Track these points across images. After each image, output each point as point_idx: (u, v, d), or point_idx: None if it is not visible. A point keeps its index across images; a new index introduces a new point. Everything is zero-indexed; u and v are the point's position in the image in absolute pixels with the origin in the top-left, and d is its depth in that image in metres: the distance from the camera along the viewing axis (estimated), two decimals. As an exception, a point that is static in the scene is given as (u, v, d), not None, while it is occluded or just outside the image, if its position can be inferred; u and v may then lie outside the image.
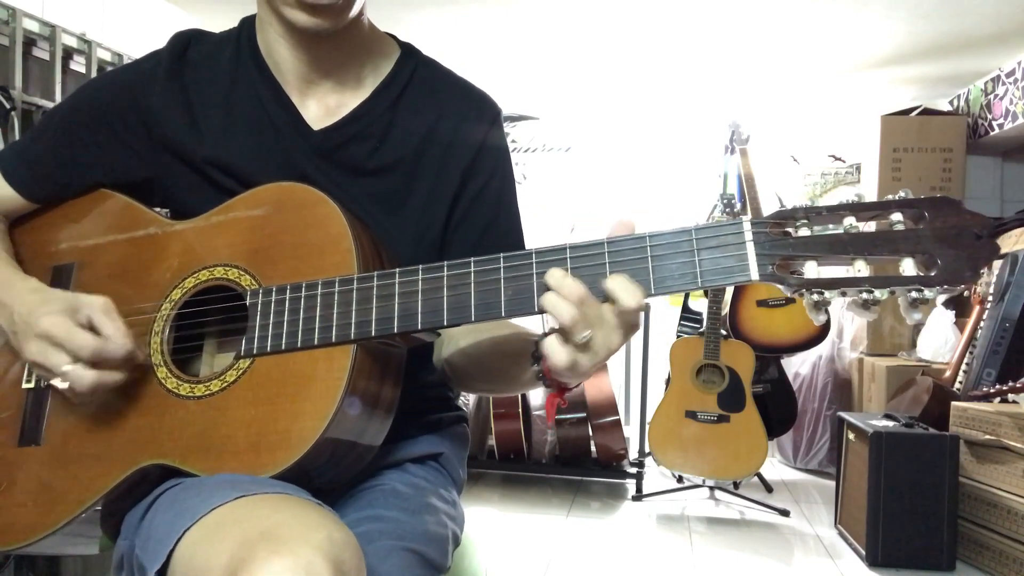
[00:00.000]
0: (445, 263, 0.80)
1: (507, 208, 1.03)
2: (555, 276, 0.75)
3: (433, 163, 0.97)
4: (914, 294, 0.68)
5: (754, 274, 0.72)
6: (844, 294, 0.70)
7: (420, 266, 0.81)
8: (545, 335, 0.77)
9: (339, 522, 0.72)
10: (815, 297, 0.70)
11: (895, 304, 0.69)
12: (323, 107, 0.96)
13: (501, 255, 0.78)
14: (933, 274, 0.68)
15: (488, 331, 0.94)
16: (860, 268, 0.70)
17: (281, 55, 0.95)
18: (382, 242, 0.92)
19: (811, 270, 0.71)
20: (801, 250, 0.71)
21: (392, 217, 0.96)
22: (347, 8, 0.88)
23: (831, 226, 0.71)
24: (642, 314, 0.78)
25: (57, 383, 0.84)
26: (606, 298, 0.74)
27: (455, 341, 0.98)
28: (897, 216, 0.70)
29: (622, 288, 0.73)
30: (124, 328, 0.86)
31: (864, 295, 0.69)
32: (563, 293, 0.74)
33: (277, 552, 0.65)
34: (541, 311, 0.76)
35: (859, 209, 0.71)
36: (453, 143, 0.98)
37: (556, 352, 0.75)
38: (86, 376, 0.83)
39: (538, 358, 0.83)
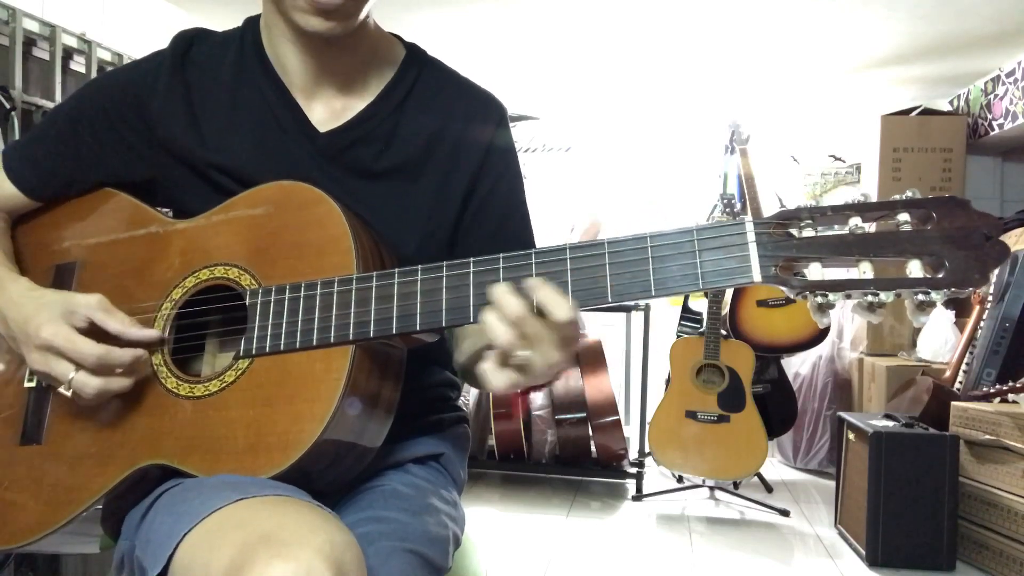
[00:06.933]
0: (444, 263, 0.80)
1: (518, 208, 1.02)
2: (496, 292, 0.73)
3: (440, 165, 0.97)
4: (921, 296, 0.67)
5: (756, 276, 0.70)
6: (849, 296, 0.69)
7: (419, 267, 0.80)
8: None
9: (340, 524, 0.72)
10: (819, 300, 0.69)
11: (896, 304, 0.68)
12: (329, 109, 0.96)
13: (501, 255, 0.77)
14: (941, 276, 0.66)
15: (477, 334, 0.93)
16: (865, 270, 0.68)
17: (288, 58, 0.94)
18: (384, 242, 0.91)
19: (815, 272, 0.69)
20: (805, 251, 0.69)
21: (399, 220, 0.95)
22: (357, 11, 0.87)
23: (836, 227, 0.70)
24: (578, 328, 0.75)
25: (62, 390, 0.85)
26: (538, 311, 0.72)
27: (459, 342, 0.98)
28: (904, 216, 0.69)
29: (551, 300, 0.71)
30: (128, 319, 0.87)
31: (870, 298, 0.68)
32: (502, 312, 0.72)
33: (278, 555, 0.64)
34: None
35: (865, 209, 0.69)
36: (460, 145, 0.97)
37: (493, 377, 0.74)
38: (90, 383, 0.84)
39: None
